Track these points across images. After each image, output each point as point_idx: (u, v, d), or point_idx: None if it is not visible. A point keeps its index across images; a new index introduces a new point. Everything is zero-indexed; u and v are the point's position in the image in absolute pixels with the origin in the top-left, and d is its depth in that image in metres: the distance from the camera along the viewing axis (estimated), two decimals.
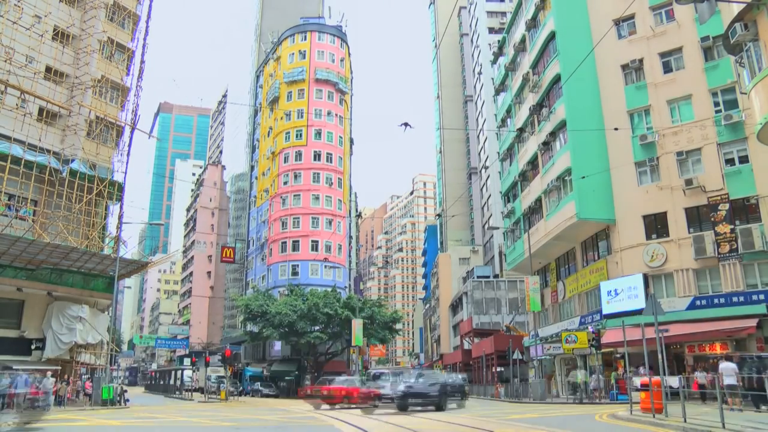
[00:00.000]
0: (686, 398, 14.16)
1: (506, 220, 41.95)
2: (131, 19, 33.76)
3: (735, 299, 24.32)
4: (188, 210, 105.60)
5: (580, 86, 29.82)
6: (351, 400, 23.85)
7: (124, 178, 30.60)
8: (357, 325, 39.00)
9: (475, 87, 73.71)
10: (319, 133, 59.56)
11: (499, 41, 44.90)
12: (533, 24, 35.88)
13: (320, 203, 57.34)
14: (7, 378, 17.80)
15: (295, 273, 54.63)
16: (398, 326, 52.29)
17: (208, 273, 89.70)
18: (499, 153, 43.69)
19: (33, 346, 26.45)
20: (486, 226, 66.00)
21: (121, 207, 30.84)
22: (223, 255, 61.68)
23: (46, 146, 26.88)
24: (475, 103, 73.61)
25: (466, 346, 52.14)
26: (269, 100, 64.51)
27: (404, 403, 20.65)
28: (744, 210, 25.07)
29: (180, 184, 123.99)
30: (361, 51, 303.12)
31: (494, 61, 46.82)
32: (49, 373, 22.65)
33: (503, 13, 65.94)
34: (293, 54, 62.79)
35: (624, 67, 29.65)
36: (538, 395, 28.02)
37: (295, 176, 58.34)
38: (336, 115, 61.20)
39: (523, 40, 37.44)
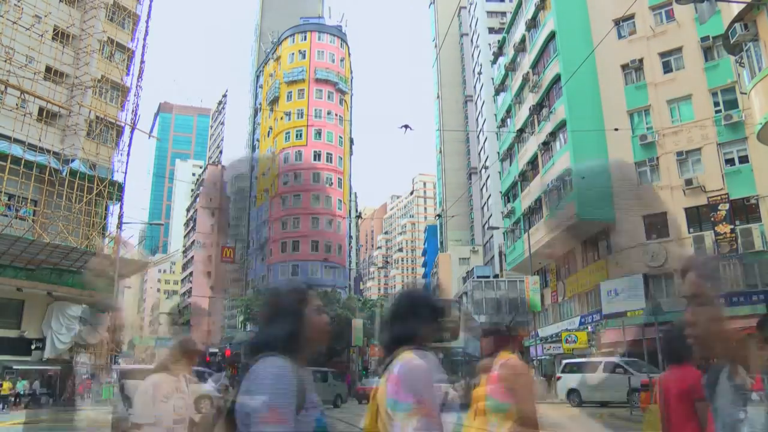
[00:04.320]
0: None
1: (506, 220, 41.94)
2: (131, 19, 33.74)
3: (735, 299, 24.28)
4: (188, 210, 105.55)
5: (580, 86, 29.77)
6: None
7: (124, 178, 30.63)
8: (357, 325, 38.99)
9: (475, 87, 73.65)
10: (319, 133, 59.57)
11: (499, 41, 44.87)
12: (533, 24, 35.86)
13: (320, 203, 57.34)
14: None
15: (295, 273, 54.62)
16: None
17: (208, 273, 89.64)
18: (499, 153, 43.67)
19: (33, 346, 26.44)
20: (486, 226, 65.95)
21: (121, 207, 30.87)
22: (223, 255, 61.69)
23: (46, 146, 26.85)
24: (475, 103, 73.54)
25: None
26: (269, 100, 64.50)
27: None
28: (744, 210, 25.06)
29: (180, 184, 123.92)
30: (361, 51, 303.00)
31: (494, 61, 46.79)
32: None
33: (503, 13, 65.82)
34: (293, 54, 62.80)
35: (624, 66, 29.64)
36: (538, 395, 28.06)
37: (295, 176, 58.34)
38: (336, 115, 61.20)
39: (523, 40, 37.42)
